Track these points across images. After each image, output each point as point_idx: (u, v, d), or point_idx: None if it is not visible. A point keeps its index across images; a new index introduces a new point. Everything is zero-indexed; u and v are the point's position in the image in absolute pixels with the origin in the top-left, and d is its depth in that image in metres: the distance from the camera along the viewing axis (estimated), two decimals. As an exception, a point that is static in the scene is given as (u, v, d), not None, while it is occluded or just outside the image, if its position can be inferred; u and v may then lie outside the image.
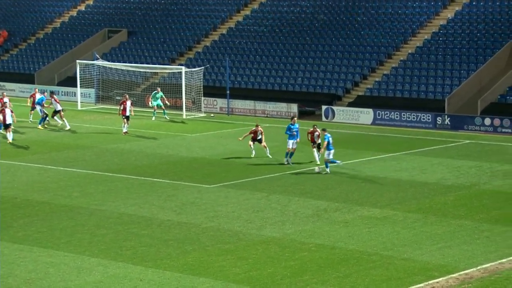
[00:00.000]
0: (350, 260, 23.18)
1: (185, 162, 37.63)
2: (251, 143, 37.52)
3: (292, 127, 36.39)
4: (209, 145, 42.19)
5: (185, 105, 52.69)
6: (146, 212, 28.57)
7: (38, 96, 48.67)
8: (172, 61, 61.58)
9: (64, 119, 47.56)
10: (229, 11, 65.07)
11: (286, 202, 29.80)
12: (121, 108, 45.34)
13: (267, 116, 51.98)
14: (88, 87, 57.78)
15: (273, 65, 57.59)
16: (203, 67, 55.46)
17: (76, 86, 57.13)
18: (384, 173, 34.96)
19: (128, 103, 45.21)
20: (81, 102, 56.36)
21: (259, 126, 37.76)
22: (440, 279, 21.55)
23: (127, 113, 45.00)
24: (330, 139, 34.39)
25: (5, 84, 63.06)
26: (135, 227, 26.67)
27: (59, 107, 47.65)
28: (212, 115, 53.00)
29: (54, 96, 48.49)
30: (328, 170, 34.45)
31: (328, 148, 34.30)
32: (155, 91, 51.04)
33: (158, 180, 33.70)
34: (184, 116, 52.06)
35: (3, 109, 42.14)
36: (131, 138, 44.33)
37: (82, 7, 72.74)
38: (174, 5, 67.98)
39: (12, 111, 44.26)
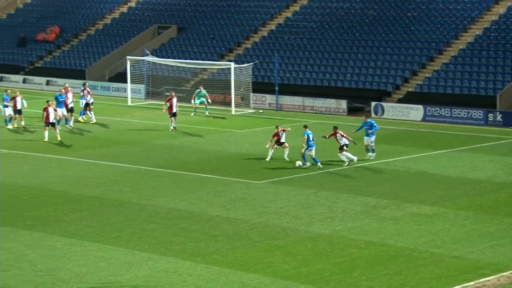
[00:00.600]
0: (400, 257, 23.03)
1: (234, 158, 37.70)
2: (275, 146, 36.82)
3: (363, 124, 36.65)
4: (257, 141, 42.18)
5: (234, 101, 52.81)
6: (195, 207, 28.70)
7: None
8: (221, 57, 61.72)
9: (91, 112, 47.90)
10: (278, 7, 65.01)
11: (334, 199, 29.70)
12: (167, 105, 45.50)
13: (315, 112, 51.87)
14: (138, 83, 58.19)
15: (322, 61, 57.41)
16: (252, 63, 55.48)
17: (126, 82, 57.62)
18: (434, 170, 34.65)
19: (174, 100, 45.34)
20: (131, 98, 56.84)
21: (280, 127, 37.13)
22: (491, 277, 21.31)
23: (174, 110, 45.18)
24: (311, 136, 34.58)
25: (57, 80, 63.79)
26: (184, 222, 26.81)
27: (90, 100, 47.98)
28: (261, 111, 53.02)
29: (87, 87, 48.62)
30: (307, 164, 34.62)
31: (308, 144, 34.42)
32: (198, 90, 51.23)
33: (207, 176, 33.82)
34: (233, 112, 52.17)
35: (46, 108, 42.22)
36: (180, 134, 44.56)
37: (132, 4, 73.33)
38: (223, 1, 68.13)
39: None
